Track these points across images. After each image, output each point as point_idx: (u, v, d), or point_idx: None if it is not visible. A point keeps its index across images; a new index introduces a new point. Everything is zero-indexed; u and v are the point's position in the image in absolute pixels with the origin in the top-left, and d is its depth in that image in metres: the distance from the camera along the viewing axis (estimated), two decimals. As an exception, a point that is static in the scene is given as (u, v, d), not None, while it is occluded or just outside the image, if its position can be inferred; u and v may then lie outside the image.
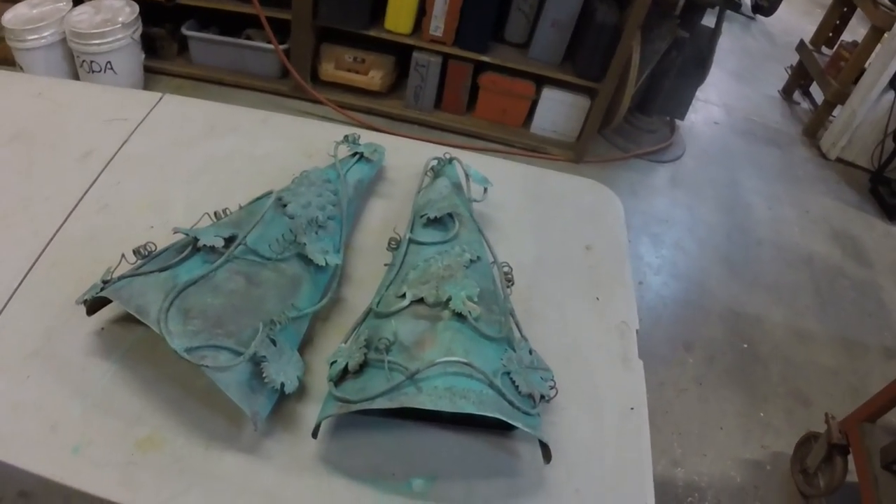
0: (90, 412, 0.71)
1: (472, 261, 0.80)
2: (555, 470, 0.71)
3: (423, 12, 2.43)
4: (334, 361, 0.70)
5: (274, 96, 2.81)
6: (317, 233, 0.83)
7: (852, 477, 1.61)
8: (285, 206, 0.85)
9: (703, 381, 2.01)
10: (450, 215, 0.87)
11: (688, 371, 2.02)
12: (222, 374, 0.66)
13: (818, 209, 2.85)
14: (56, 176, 0.99)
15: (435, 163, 1.01)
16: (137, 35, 2.54)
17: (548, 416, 0.75)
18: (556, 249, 0.99)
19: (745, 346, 2.14)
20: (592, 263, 0.98)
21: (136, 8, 2.51)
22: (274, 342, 0.70)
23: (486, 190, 0.98)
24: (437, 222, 0.87)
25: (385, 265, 0.84)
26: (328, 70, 2.76)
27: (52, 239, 0.89)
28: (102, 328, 0.78)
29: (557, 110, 2.61)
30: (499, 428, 0.73)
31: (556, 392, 0.73)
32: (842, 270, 2.55)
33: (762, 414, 1.97)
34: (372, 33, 2.53)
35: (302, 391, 0.73)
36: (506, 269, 0.84)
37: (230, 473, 0.68)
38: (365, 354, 0.67)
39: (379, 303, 0.75)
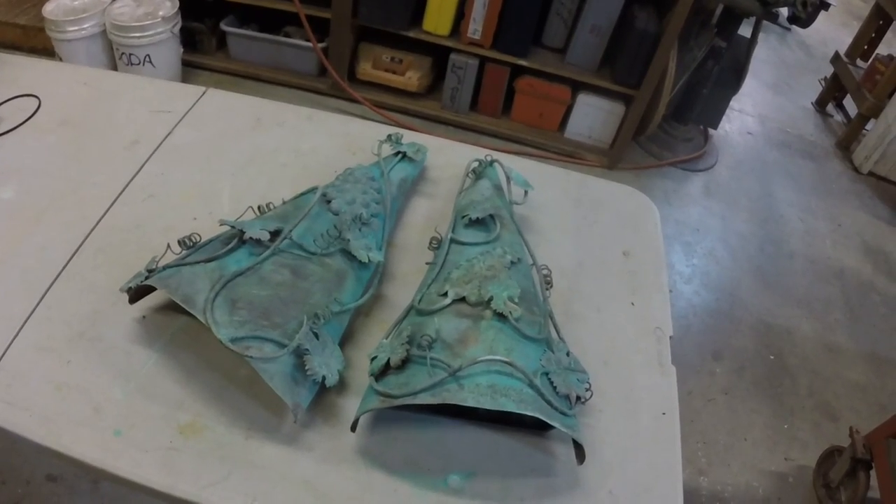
0: (133, 396, 0.72)
1: (512, 262, 0.79)
2: (589, 471, 0.71)
3: (462, 15, 2.42)
4: (375, 357, 0.70)
5: (311, 94, 2.83)
6: (360, 229, 0.83)
7: (874, 493, 1.59)
8: (330, 201, 0.85)
9: (731, 391, 1.99)
10: (491, 217, 0.87)
11: (716, 381, 2.00)
12: (266, 364, 0.67)
13: (850, 223, 2.80)
14: (103, 163, 1.00)
15: (476, 164, 1.01)
16: (177, 29, 2.56)
17: (583, 417, 0.75)
18: (595, 254, 0.99)
19: (773, 357, 2.11)
20: (630, 269, 0.98)
21: (177, 2, 2.54)
22: (317, 335, 0.71)
23: (526, 193, 0.98)
24: (478, 223, 0.87)
25: (427, 263, 0.84)
26: (366, 69, 2.77)
27: (98, 223, 0.90)
28: (144, 316, 0.79)
29: (593, 116, 2.60)
30: (534, 427, 0.73)
31: (592, 394, 0.72)
32: (873, 286, 2.50)
33: (787, 426, 1.94)
34: (411, 34, 2.54)
35: (342, 385, 0.74)
36: (545, 271, 0.84)
37: (270, 462, 0.68)
38: (407, 350, 0.67)
39: (421, 300, 0.75)
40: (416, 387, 0.63)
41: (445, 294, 0.73)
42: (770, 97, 3.63)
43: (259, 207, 0.88)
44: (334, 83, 2.71)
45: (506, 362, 0.64)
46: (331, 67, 2.66)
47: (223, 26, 2.76)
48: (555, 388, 0.67)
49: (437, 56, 2.66)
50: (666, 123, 2.80)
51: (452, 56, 2.57)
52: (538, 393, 0.64)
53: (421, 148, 1.03)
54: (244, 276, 0.73)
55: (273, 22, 2.78)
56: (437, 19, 2.47)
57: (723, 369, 2.03)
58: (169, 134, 1.08)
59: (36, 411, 0.69)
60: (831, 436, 1.90)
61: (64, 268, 0.84)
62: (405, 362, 0.67)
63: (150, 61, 2.54)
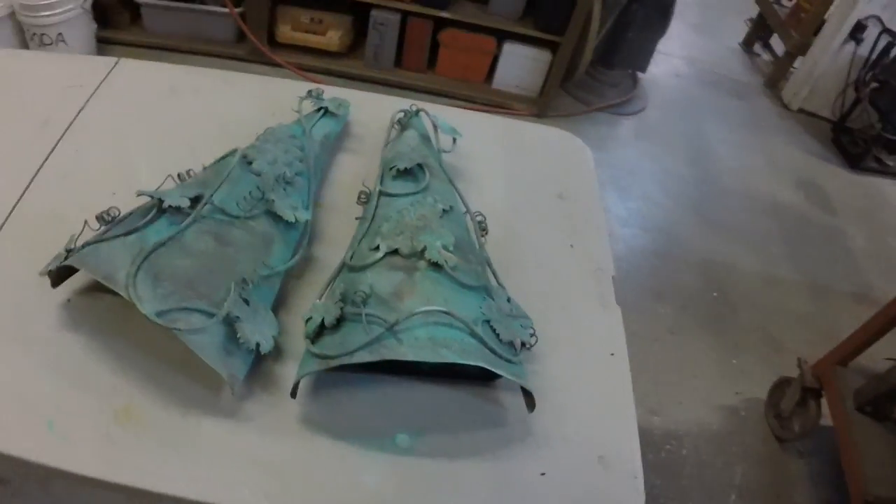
0: (63, 387, 0.69)
1: (444, 211, 0.79)
2: (541, 418, 0.72)
3: (380, -32, 2.37)
4: (310, 318, 0.69)
5: (232, 61, 2.75)
6: (285, 189, 0.81)
7: (826, 420, 1.66)
8: (251, 163, 0.82)
9: (677, 330, 2.04)
10: (419, 166, 0.86)
11: (661, 321, 2.05)
12: (196, 336, 0.65)
13: (783, 159, 2.89)
14: (11, 148, 0.95)
15: (402, 115, 0.99)
16: (88, 5, 2.45)
17: (530, 364, 0.75)
18: (529, 198, 0.99)
19: (716, 294, 2.17)
20: (566, 211, 0.99)
21: None
22: (247, 302, 0.69)
23: (454, 140, 0.97)
24: (406, 174, 0.86)
25: (356, 219, 0.82)
26: (285, 32, 2.70)
27: (10, 213, 0.86)
28: (69, 300, 0.76)
29: (519, 65, 2.60)
30: (481, 378, 0.73)
31: (537, 340, 0.73)
32: (808, 218, 2.59)
33: (735, 361, 2.01)
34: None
35: (278, 352, 0.72)
36: (479, 217, 0.83)
37: (210, 438, 0.66)
38: (341, 309, 0.66)
39: (353, 256, 0.74)
40: (353, 345, 0.62)
41: (377, 248, 0.72)
42: (697, 39, 3.69)
43: (179, 175, 0.85)
44: (254, 48, 2.64)
45: (444, 312, 0.63)
46: (249, 32, 2.59)
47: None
48: (498, 335, 0.66)
49: (358, 14, 2.61)
50: (593, 69, 2.81)
51: (373, 12, 2.53)
52: (481, 342, 0.63)
53: (343, 102, 1.00)
54: (165, 246, 0.71)
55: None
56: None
57: (666, 309, 2.08)
58: (81, 110, 1.03)
59: (-39, 412, 0.65)
60: (779, 367, 1.97)
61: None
62: (340, 321, 0.66)
63: (63, 40, 2.43)
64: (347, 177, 0.96)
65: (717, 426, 1.83)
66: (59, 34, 2.38)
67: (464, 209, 0.85)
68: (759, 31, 3.67)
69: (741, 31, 3.78)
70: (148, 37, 2.72)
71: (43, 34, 2.37)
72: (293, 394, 0.67)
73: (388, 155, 0.91)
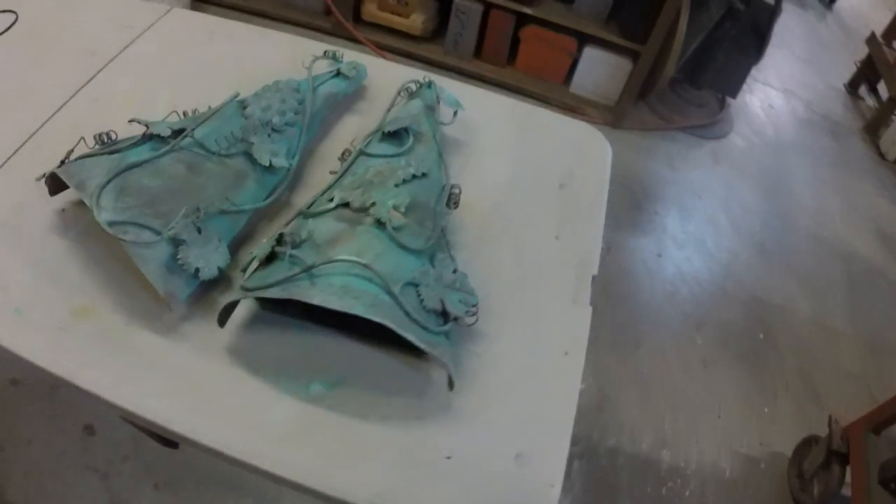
0: (39, 280, 0.76)
1: (415, 175, 0.81)
2: (467, 398, 0.72)
3: (467, -45, 2.41)
4: (253, 255, 0.72)
5: (315, 32, 2.84)
6: (269, 135, 0.85)
7: (848, 490, 1.55)
8: (245, 107, 0.87)
9: (711, 363, 1.99)
10: (406, 130, 0.89)
11: (695, 351, 2.00)
12: (140, 249, 0.70)
13: (867, 207, 2.75)
14: (58, 69, 1.05)
15: (413, 86, 1.02)
16: None
17: (473, 345, 0.76)
18: (528, 182, 1.00)
19: (763, 336, 2.10)
20: (564, 201, 0.98)
21: None
22: (199, 229, 0.73)
23: (455, 113, 0.99)
24: (393, 137, 0.89)
25: (331, 173, 0.85)
26: (370, 10, 2.77)
27: (43, 125, 0.95)
28: (64, 209, 0.83)
29: (599, 70, 2.58)
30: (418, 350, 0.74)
31: (477, 319, 0.73)
32: (882, 272, 2.46)
33: (767, 409, 1.93)
34: (415, -25, 2.52)
35: (228, 284, 0.77)
36: (455, 190, 0.85)
37: (146, 348, 0.72)
38: (273, 247, 0.69)
39: (310, 205, 0.77)
40: (271, 281, 0.65)
41: (332, 199, 0.75)
42: (799, 73, 3.56)
43: (185, 112, 0.90)
44: (338, 23, 2.71)
45: (363, 265, 0.65)
46: (333, 6, 2.67)
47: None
48: (422, 300, 0.67)
49: (443, 0, 2.65)
50: (679, 86, 2.76)
51: (456, 0, 2.56)
52: (396, 301, 0.65)
53: (358, 66, 1.05)
54: (140, 167, 0.76)
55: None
56: (442, -41, 2.45)
57: (705, 340, 2.03)
58: (126, 47, 1.12)
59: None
60: (814, 424, 1.85)
61: (4, 163, 0.89)
62: (271, 260, 0.69)
63: None
64: (349, 134, 1.00)
65: (732, 474, 1.75)
66: None
67: (445, 181, 0.87)
68: (867, 73, 3.50)
69: (849, 71, 3.62)
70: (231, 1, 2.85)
71: None
72: (220, 322, 0.70)
73: (386, 120, 0.94)
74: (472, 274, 0.80)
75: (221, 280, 0.75)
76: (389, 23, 2.77)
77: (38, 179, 0.79)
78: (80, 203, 0.83)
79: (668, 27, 2.30)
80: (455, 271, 0.74)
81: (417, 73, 1.10)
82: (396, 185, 0.77)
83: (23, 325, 0.72)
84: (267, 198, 0.84)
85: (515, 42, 2.67)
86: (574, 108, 2.67)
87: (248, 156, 0.82)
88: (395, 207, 0.73)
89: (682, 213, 2.41)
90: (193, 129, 0.80)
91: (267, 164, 0.82)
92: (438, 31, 2.79)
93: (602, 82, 2.61)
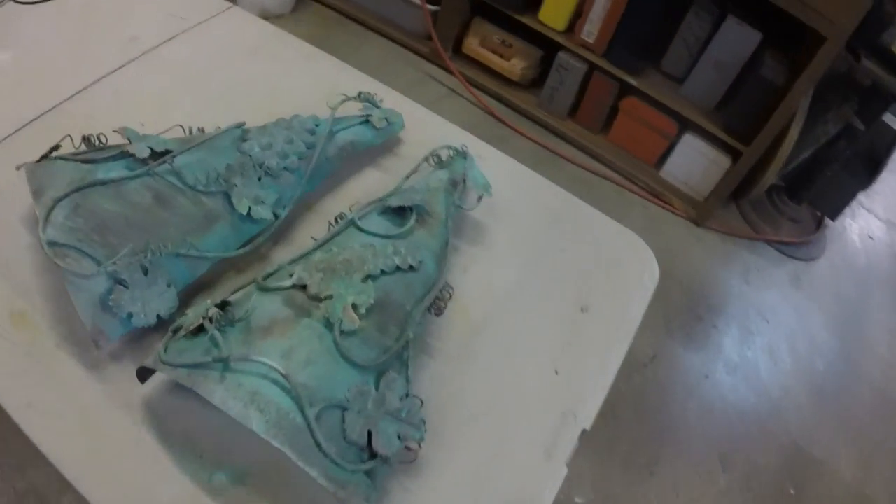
0: None
1: (399, 268, 0.73)
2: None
3: (579, 12, 2.35)
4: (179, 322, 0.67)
5: (409, 53, 2.83)
6: (260, 178, 0.80)
7: None
8: (245, 140, 0.82)
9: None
10: (411, 209, 0.81)
11: (711, 485, 1.85)
12: (76, 279, 0.66)
13: (956, 372, 2.52)
14: (94, 50, 1.05)
15: (445, 153, 0.95)
16: None
17: (406, 477, 0.68)
18: (545, 294, 0.89)
19: (793, 492, 1.93)
20: (579, 330, 0.86)
21: None
22: (146, 270, 0.68)
23: (481, 198, 0.91)
24: (397, 213, 0.82)
25: (312, 238, 0.79)
26: (472, 44, 2.74)
27: (58, 105, 0.95)
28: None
29: (694, 161, 2.46)
30: None
31: (414, 458, 0.65)
32: (951, 454, 2.24)
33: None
34: (524, 19, 2.48)
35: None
36: (445, 294, 0.78)
37: (64, 377, 0.69)
38: (202, 318, 0.63)
39: (268, 276, 0.71)
40: (181, 360, 0.59)
41: (292, 275, 0.69)
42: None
43: (190, 130, 0.87)
44: (435, 50, 2.69)
45: (281, 374, 0.58)
46: (434, 33, 2.65)
47: (344, -35, 2.81)
48: (344, 429, 0.60)
49: (549, 51, 2.59)
50: (776, 195, 2.62)
51: (560, 54, 2.50)
52: (306, 424, 0.57)
53: (393, 116, 0.98)
54: (105, 185, 0.73)
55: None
56: (555, 11, 2.40)
57: (728, 480, 1.88)
58: (169, 39, 1.11)
59: None
60: None
61: (6, 138, 0.89)
62: (199, 331, 0.63)
63: None
64: (360, 193, 0.94)
65: None
66: None
67: (439, 276, 0.79)
68: None
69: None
70: (343, 3, 2.88)
71: None
72: (140, 378, 0.65)
73: (398, 188, 0.88)
74: (438, 393, 0.74)
75: (167, 324, 0.70)
76: (488, 62, 2.73)
77: (18, 168, 0.76)
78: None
79: (778, 132, 2.17)
80: (406, 397, 0.65)
81: (461, 136, 1.04)
82: (366, 279, 0.69)
83: None
84: (241, 247, 0.78)
85: (613, 111, 2.58)
86: (659, 194, 2.56)
87: (228, 197, 0.77)
88: (355, 307, 0.66)
89: (742, 335, 2.25)
90: (175, 156, 0.76)
91: (243, 212, 0.77)
92: (537, 81, 2.73)
93: (695, 174, 2.49)
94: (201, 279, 0.77)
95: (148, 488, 0.64)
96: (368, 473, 0.59)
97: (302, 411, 0.57)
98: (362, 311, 0.66)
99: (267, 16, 2.79)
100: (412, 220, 0.80)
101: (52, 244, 0.66)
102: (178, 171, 0.75)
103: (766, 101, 2.15)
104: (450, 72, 2.73)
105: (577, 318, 0.87)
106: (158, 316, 0.69)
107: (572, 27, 2.43)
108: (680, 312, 2.22)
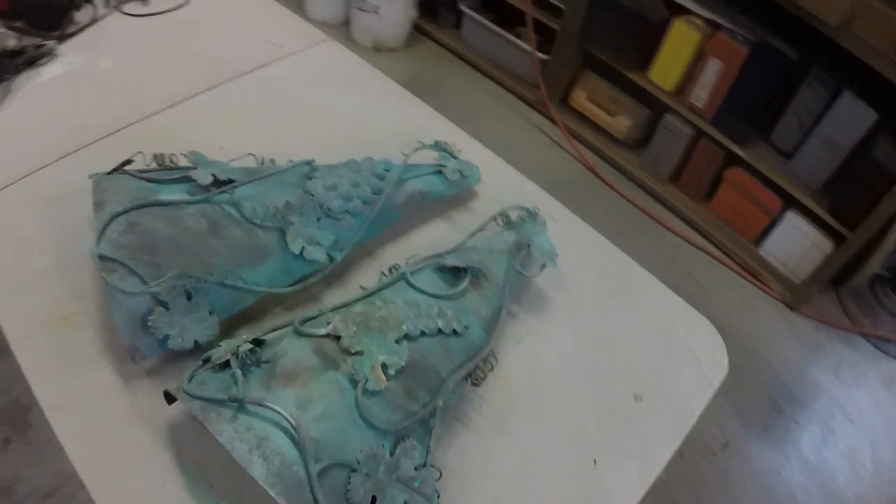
0: (56, 266, 0.79)
1: (441, 331, 0.70)
2: None
3: (690, 75, 2.28)
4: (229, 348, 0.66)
5: (516, 100, 2.84)
6: (319, 219, 0.79)
7: None
8: (311, 178, 0.82)
9: None
10: (466, 270, 0.78)
11: None
12: (119, 294, 0.66)
13: None
14: (187, 67, 1.09)
15: (515, 213, 0.92)
16: None
17: None
18: (596, 376, 0.83)
19: None
20: (628, 419, 0.80)
21: None
22: (189, 295, 0.68)
23: (543, 267, 0.86)
24: (452, 273, 0.79)
25: (361, 287, 0.77)
26: (580, 97, 2.72)
27: (147, 118, 0.99)
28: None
29: (795, 241, 2.33)
30: None
31: None
32: None
33: None
34: (634, 76, 2.44)
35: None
36: (487, 364, 0.74)
37: (94, 384, 0.70)
38: (231, 354, 0.61)
39: (307, 320, 0.69)
40: (202, 392, 0.58)
41: (329, 323, 0.67)
42: None
43: (263, 159, 0.88)
44: (541, 98, 2.68)
45: (292, 424, 0.56)
46: (541, 81, 2.64)
47: (461, 6, 2.84)
48: (347, 490, 0.56)
49: (656, 112, 2.53)
50: (879, 286, 2.44)
51: (667, 115, 2.44)
52: (307, 479, 0.54)
53: (467, 170, 0.96)
54: (163, 207, 0.74)
55: (511, 19, 2.81)
56: (665, 71, 2.35)
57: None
58: (258, 67, 1.13)
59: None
60: None
61: (85, 147, 0.93)
62: (226, 366, 0.62)
63: (377, 11, 2.72)
64: (421, 244, 0.92)
65: None
66: (377, 5, 2.69)
67: (485, 344, 0.74)
68: None
69: None
70: (456, 43, 2.92)
71: None
72: (167, 400, 0.65)
73: (462, 243, 0.85)
74: (462, 465, 0.71)
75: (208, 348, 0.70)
76: (594, 116, 2.70)
77: (90, 178, 0.79)
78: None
79: (887, 220, 2.03)
80: (423, 466, 0.61)
81: (537, 195, 1.02)
82: (400, 340, 0.66)
83: (16, 302, 0.75)
84: (291, 285, 0.77)
85: (717, 180, 2.49)
86: (755, 272, 2.44)
87: (283, 234, 0.77)
88: (384, 366, 0.63)
89: (824, 433, 2.10)
90: (237, 186, 0.76)
91: (296, 252, 0.76)
92: (641, 141, 2.67)
93: (795, 255, 2.36)
94: (248, 311, 0.77)
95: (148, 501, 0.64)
96: None
97: (306, 465, 0.55)
98: (391, 371, 0.64)
99: (380, 47, 2.85)
100: (465, 283, 0.77)
101: (102, 258, 0.67)
102: (237, 202, 0.76)
103: (876, 185, 2.01)
104: (554, 122, 2.71)
105: (629, 406, 0.81)
106: (196, 342, 0.69)
107: (682, 89, 2.37)
108: (760, 400, 2.09)
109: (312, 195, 0.80)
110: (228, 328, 0.75)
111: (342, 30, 3.00)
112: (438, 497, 0.61)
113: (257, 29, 1.20)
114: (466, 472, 0.71)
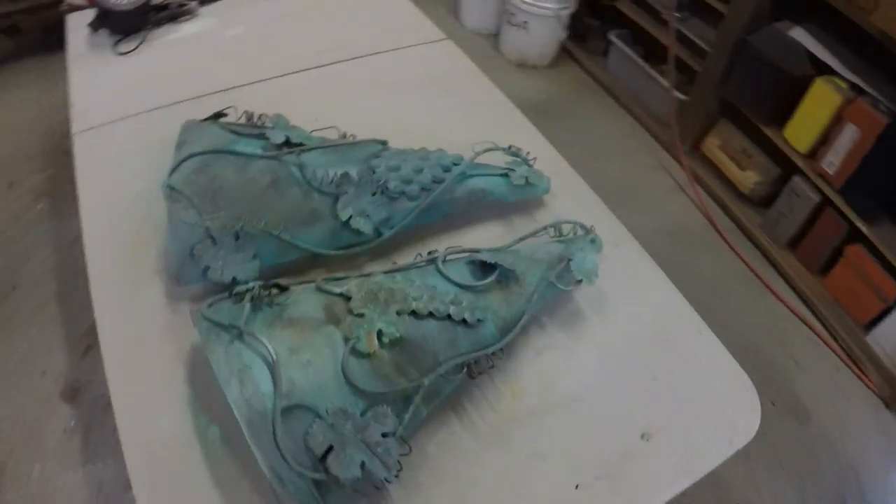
0: (146, 194, 0.90)
1: (450, 316, 0.71)
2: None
3: (825, 139, 2.18)
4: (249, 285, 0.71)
5: (648, 136, 2.81)
6: (374, 194, 0.84)
7: None
8: (378, 157, 0.87)
9: None
10: (496, 267, 0.79)
11: None
12: (177, 222, 0.74)
13: None
14: (311, 43, 1.21)
15: (569, 227, 0.92)
16: (564, 14, 2.77)
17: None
18: (609, 407, 0.80)
19: None
20: (628, 455, 0.76)
21: None
22: (237, 237, 0.75)
23: (579, 282, 0.85)
24: (485, 270, 0.80)
25: (393, 262, 0.81)
26: (712, 145, 2.66)
27: (251, 83, 1.11)
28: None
29: (906, 336, 2.18)
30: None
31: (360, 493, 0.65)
32: None
33: None
34: (768, 132, 2.36)
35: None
36: (486, 362, 0.73)
37: (143, 300, 0.81)
38: (248, 290, 0.68)
39: (331, 280, 0.73)
40: (213, 317, 0.64)
41: (344, 280, 0.72)
42: None
43: (344, 133, 0.94)
44: (671, 139, 2.65)
45: (272, 360, 0.61)
46: (675, 121, 2.60)
47: (610, 36, 2.84)
48: (307, 433, 0.60)
49: (786, 172, 2.44)
50: None
51: (795, 178, 2.35)
52: (272, 412, 0.59)
53: (535, 179, 0.96)
54: (236, 156, 0.81)
55: (657, 55, 2.78)
56: (800, 131, 2.26)
57: None
58: (373, 54, 1.21)
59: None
60: None
61: (204, 95, 1.05)
62: (253, 300, 0.68)
63: (526, 28, 2.79)
64: (473, 240, 0.94)
65: None
66: (525, 21, 2.77)
67: (494, 342, 0.75)
68: None
69: None
70: (600, 71, 2.93)
71: (513, 14, 2.80)
72: (194, 321, 0.71)
73: (503, 246, 0.87)
74: (443, 456, 0.73)
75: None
76: (723, 166, 2.63)
77: (204, 121, 0.88)
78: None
79: None
80: (391, 436, 0.63)
81: (605, 219, 1.01)
82: (401, 314, 0.69)
83: (105, 217, 0.87)
84: (336, 250, 0.83)
85: (836, 255, 2.36)
86: (856, 359, 2.30)
87: (337, 201, 0.82)
88: (381, 334, 0.66)
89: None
90: (304, 150, 0.82)
91: (342, 219, 0.81)
92: (766, 199, 2.58)
93: (903, 350, 2.21)
94: (292, 267, 0.84)
95: (156, 405, 0.72)
96: (320, 487, 0.59)
97: (273, 401, 0.59)
98: (385, 340, 0.66)
99: (524, 63, 2.90)
100: (490, 280, 0.78)
101: (171, 189, 0.75)
102: (302, 164, 0.82)
103: None
104: (681, 164, 2.66)
105: (634, 443, 0.77)
106: (234, 278, 0.75)
107: (814, 152, 2.26)
108: (826, 491, 1.97)
109: (373, 172, 0.85)
110: (271, 278, 0.81)
111: (491, 41, 3.08)
112: (400, 471, 0.63)
113: (380, 20, 1.28)
114: (449, 466, 0.72)
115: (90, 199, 0.89)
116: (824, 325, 2.38)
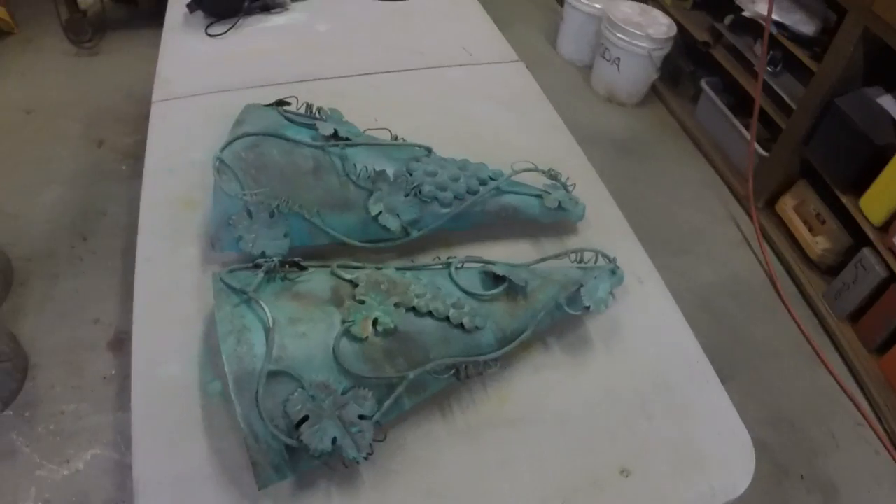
0: (203, 163, 0.98)
1: (448, 318, 0.74)
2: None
3: (901, 213, 2.13)
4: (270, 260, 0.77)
5: (723, 187, 2.78)
6: (407, 195, 0.88)
7: None
8: (418, 160, 0.92)
9: None
10: (506, 279, 0.81)
11: None
12: (220, 192, 0.81)
13: None
14: (387, 49, 1.27)
15: (592, 255, 0.93)
16: (657, 55, 2.77)
17: None
18: (592, 439, 0.79)
19: None
20: (601, 487, 0.75)
21: (673, 34, 2.74)
22: (272, 214, 0.81)
23: (587, 308, 0.84)
24: (496, 281, 0.83)
25: (410, 260, 0.86)
26: (786, 205, 2.61)
27: (325, 79, 1.17)
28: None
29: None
30: None
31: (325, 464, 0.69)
32: None
33: None
34: (843, 199, 2.30)
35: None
36: (483, 368, 0.75)
37: (180, 258, 0.89)
38: (266, 262, 0.74)
39: (347, 266, 0.78)
40: (227, 280, 0.70)
41: (358, 269, 0.77)
42: None
43: (395, 136, 0.99)
44: (745, 193, 2.61)
45: (269, 326, 0.66)
46: (752, 175, 2.57)
47: (703, 82, 2.83)
48: (285, 403, 0.63)
49: (857, 242, 2.38)
50: None
51: (865, 250, 2.28)
52: (259, 373, 0.63)
53: (570, 204, 0.99)
54: (285, 141, 0.87)
55: (745, 107, 2.75)
56: (876, 202, 2.20)
57: None
58: (446, 66, 1.26)
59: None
60: None
61: (278, 84, 1.12)
62: (268, 274, 0.74)
63: (618, 64, 2.81)
64: (498, 253, 0.95)
65: None
66: (618, 58, 2.79)
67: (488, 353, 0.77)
68: None
69: None
70: (686, 116, 2.92)
71: (606, 49, 2.82)
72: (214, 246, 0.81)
73: (523, 264, 0.90)
74: (417, 449, 0.75)
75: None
76: (794, 228, 2.58)
77: (267, 106, 0.95)
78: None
79: None
80: (367, 418, 0.66)
81: (635, 254, 1.01)
82: (399, 306, 0.72)
83: (163, 178, 0.96)
84: (364, 242, 0.87)
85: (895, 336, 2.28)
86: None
87: (370, 196, 0.87)
88: (376, 321, 0.70)
89: None
90: (349, 145, 0.88)
91: (372, 214, 0.86)
92: (833, 268, 2.51)
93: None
94: (321, 251, 0.89)
95: (169, 354, 0.79)
96: (292, 453, 0.64)
97: (262, 363, 0.63)
98: (379, 329, 0.70)
99: (612, 99, 2.92)
100: (497, 291, 0.81)
101: (220, 160, 0.82)
102: (344, 157, 0.88)
103: None
104: (750, 218, 2.62)
105: (610, 477, 0.76)
106: (264, 252, 0.81)
107: (888, 226, 2.20)
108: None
109: (410, 174, 0.90)
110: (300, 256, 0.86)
111: (584, 73, 3.10)
112: (370, 454, 0.66)
113: (460, 35, 1.34)
114: (422, 457, 0.74)
115: (154, 158, 0.98)
116: (871, 406, 2.30)
